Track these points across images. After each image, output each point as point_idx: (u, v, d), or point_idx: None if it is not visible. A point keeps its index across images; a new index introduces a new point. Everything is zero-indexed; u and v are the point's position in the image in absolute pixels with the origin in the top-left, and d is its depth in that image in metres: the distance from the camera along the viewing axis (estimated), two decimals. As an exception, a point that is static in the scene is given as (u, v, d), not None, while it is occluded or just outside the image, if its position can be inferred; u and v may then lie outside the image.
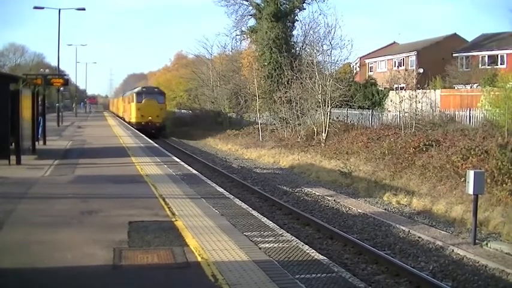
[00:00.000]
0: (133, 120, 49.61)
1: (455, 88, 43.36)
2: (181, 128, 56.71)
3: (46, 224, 10.26)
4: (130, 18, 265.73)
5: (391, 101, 34.82)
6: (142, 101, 48.91)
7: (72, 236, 9.33)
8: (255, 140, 38.98)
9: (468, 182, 13.68)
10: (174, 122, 60.74)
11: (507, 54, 52.20)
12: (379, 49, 72.95)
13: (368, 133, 30.09)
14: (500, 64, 51.38)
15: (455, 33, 63.61)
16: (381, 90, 40.18)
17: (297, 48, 44.58)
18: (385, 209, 17.84)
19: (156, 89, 54.19)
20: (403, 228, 15.06)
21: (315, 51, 37.48)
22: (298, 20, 45.40)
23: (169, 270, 7.68)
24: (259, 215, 11.46)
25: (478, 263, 12.20)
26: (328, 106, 33.00)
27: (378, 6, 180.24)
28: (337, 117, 35.60)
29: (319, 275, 7.54)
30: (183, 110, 70.92)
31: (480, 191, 13.84)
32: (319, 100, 33.47)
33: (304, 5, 45.27)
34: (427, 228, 15.13)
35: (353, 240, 13.55)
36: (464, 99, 34.63)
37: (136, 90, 53.07)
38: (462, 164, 19.71)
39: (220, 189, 14.63)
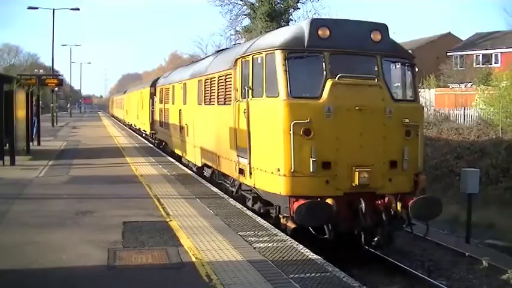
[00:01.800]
0: (278, 187, 10.54)
1: (450, 87, 43.43)
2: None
3: (40, 224, 10.23)
4: (124, 18, 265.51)
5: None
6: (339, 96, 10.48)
7: (66, 237, 9.31)
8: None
9: (462, 180, 13.73)
10: None
11: (501, 53, 52.30)
12: (374, 48, 72.99)
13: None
14: (495, 63, 51.48)
15: (450, 32, 63.69)
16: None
17: (292, 48, 44.60)
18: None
19: (379, 31, 11.12)
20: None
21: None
22: (292, 20, 45.40)
23: (164, 271, 7.67)
24: (254, 215, 11.45)
25: (472, 260, 12.24)
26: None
27: (372, 5, 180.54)
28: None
29: (313, 274, 7.55)
30: None
31: (474, 190, 13.89)
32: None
33: (299, 4, 45.31)
34: (421, 227, 15.15)
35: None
36: (459, 98, 34.69)
37: (291, 32, 11.26)
38: (457, 163, 19.78)
39: (215, 189, 14.62)
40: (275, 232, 9.94)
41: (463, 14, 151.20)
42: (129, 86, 68.32)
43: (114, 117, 75.03)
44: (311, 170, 9.96)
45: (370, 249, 11.17)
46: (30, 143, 24.54)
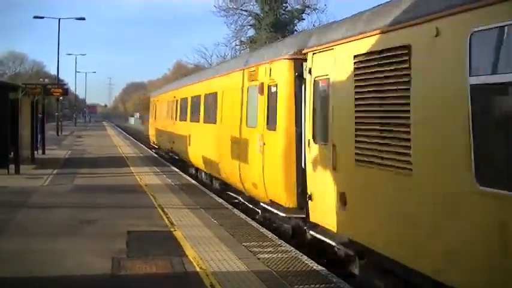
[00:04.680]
0: None
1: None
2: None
3: (45, 233, 10.24)
4: (129, 28, 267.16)
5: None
6: None
7: (70, 245, 9.32)
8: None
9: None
10: None
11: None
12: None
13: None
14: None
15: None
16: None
17: (297, 59, 44.77)
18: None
19: None
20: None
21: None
22: (297, 31, 45.65)
23: (168, 280, 7.66)
24: (258, 226, 11.44)
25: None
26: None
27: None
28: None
29: (317, 285, 7.52)
30: None
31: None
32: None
33: (304, 15, 45.58)
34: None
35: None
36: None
37: None
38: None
39: (220, 200, 14.62)
40: (279, 243, 9.93)
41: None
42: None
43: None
44: None
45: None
46: (35, 152, 24.60)
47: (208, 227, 11.01)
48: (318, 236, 9.17)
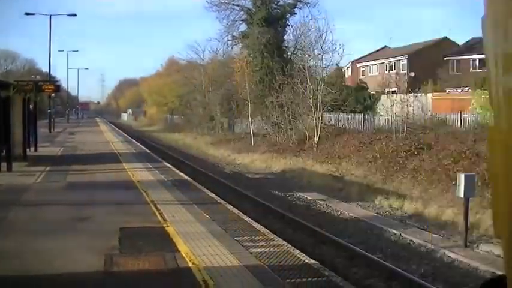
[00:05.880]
0: None
1: (447, 92, 43.54)
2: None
3: (37, 230, 10.23)
4: (121, 23, 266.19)
5: (383, 105, 34.99)
6: None
7: (63, 243, 9.31)
8: (247, 144, 38.97)
9: (459, 185, 13.73)
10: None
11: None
12: (371, 53, 73.07)
13: (360, 137, 30.13)
14: (491, 67, 51.45)
15: (446, 37, 63.83)
16: (373, 94, 40.43)
17: (289, 53, 44.74)
18: (377, 213, 17.87)
19: None
20: (395, 231, 15.09)
21: (307, 55, 37.61)
22: (289, 25, 45.61)
23: (161, 276, 7.68)
24: (251, 220, 11.47)
25: (469, 265, 12.24)
26: (319, 110, 33.08)
27: (369, 10, 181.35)
28: (329, 122, 35.67)
29: (310, 279, 7.56)
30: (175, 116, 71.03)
31: (471, 194, 13.89)
32: (311, 105, 33.57)
33: (295, 9, 45.49)
34: (418, 232, 15.17)
35: (345, 244, 13.57)
36: (456, 102, 34.75)
37: None
38: (453, 167, 19.80)
39: (212, 195, 14.65)
40: (272, 237, 9.96)
41: (458, 19, 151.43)
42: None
43: None
44: None
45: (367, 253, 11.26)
46: (27, 149, 24.52)
47: (200, 223, 11.03)
48: None
